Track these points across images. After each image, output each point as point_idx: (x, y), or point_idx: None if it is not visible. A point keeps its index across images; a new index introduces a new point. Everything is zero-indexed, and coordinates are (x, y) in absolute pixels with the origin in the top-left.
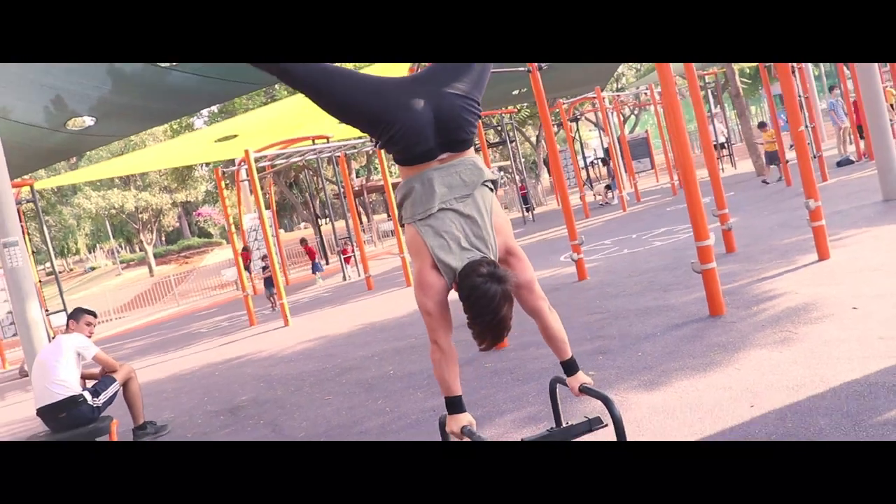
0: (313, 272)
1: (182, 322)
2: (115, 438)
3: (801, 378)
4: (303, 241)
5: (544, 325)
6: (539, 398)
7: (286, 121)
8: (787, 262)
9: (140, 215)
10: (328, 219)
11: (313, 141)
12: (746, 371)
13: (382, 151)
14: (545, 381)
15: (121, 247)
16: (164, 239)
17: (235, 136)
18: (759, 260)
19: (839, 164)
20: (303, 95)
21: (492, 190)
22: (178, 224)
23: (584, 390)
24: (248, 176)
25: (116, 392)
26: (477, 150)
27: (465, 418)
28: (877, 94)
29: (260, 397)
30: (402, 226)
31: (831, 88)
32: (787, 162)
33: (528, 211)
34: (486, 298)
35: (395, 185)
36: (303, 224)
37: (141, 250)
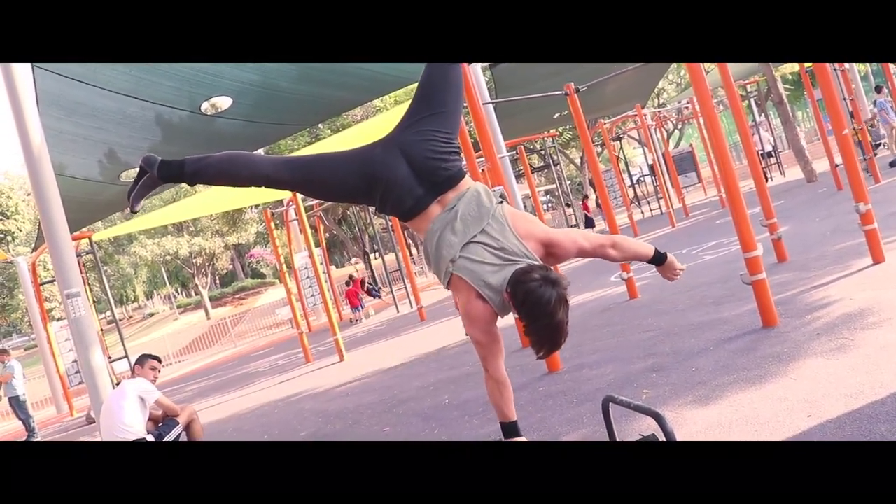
0: (360, 308)
1: (240, 363)
2: None
3: (859, 385)
4: (349, 281)
5: (618, 255)
6: (594, 419)
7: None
8: (841, 268)
9: (194, 260)
10: (377, 253)
11: None
12: (802, 381)
13: None
14: (599, 401)
15: (177, 292)
16: (218, 282)
17: None
18: (811, 267)
19: (892, 164)
20: (346, 133)
21: (501, 202)
22: (231, 266)
23: (637, 408)
24: (296, 215)
25: (179, 434)
26: (519, 177)
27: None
28: None
29: (318, 432)
30: (447, 287)
31: (878, 88)
32: (837, 166)
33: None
34: (541, 302)
35: None
36: (353, 259)
37: (196, 294)
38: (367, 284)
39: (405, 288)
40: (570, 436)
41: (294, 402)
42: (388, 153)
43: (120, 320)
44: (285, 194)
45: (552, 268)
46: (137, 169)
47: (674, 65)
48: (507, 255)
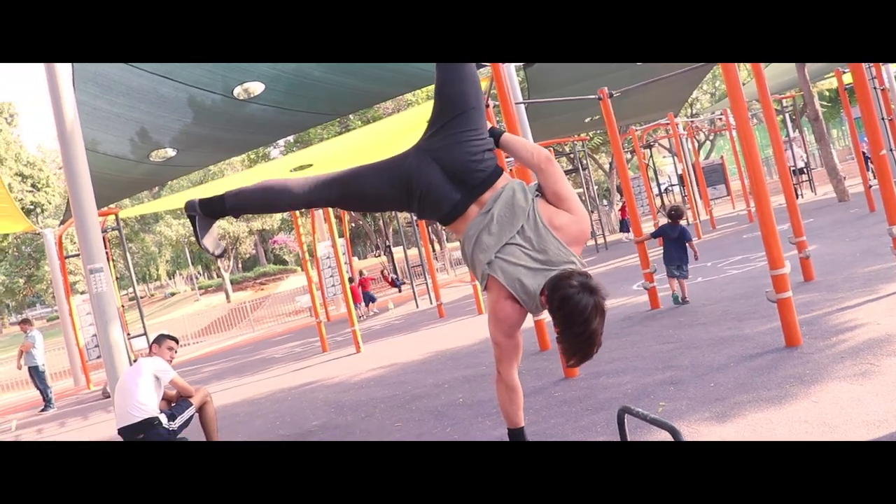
0: (367, 303)
1: (257, 347)
2: None
3: (882, 412)
4: (360, 274)
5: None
6: (608, 428)
7: (360, 150)
8: (870, 291)
9: None
10: (401, 246)
11: None
12: (824, 404)
13: None
14: (615, 410)
15: (199, 273)
16: (240, 266)
17: (311, 165)
18: (839, 289)
19: None
20: (376, 126)
21: (537, 196)
22: (254, 251)
23: (652, 421)
24: None
25: (192, 416)
26: None
27: None
28: None
29: (331, 423)
30: (484, 289)
31: None
32: (871, 186)
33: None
34: (578, 309)
35: None
36: (375, 251)
37: (218, 277)
38: (390, 275)
39: (426, 283)
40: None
41: (308, 390)
42: (421, 161)
43: (141, 298)
44: None
45: (590, 275)
46: (168, 149)
47: (709, 75)
48: (544, 258)
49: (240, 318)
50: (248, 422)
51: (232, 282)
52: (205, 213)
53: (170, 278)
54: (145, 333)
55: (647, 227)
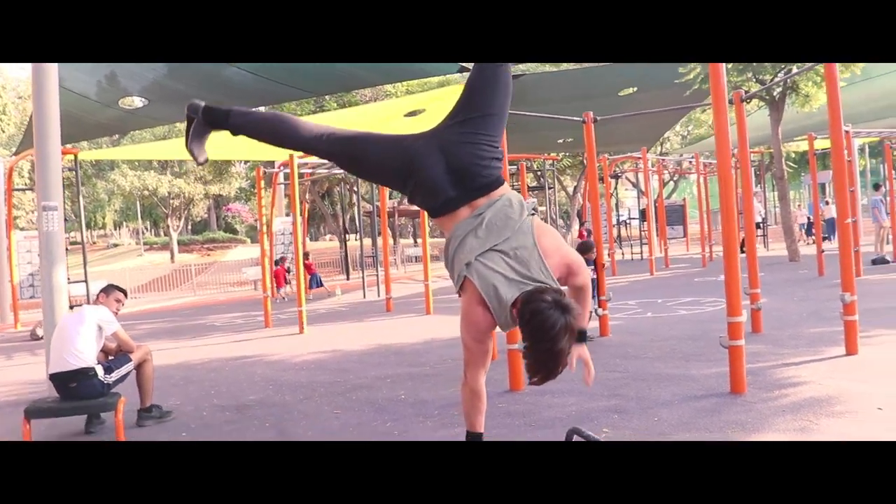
0: (312, 287)
1: (197, 312)
2: (120, 416)
3: None
4: (306, 255)
5: (579, 298)
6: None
7: None
8: (814, 352)
9: (171, 201)
10: (357, 235)
11: None
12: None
13: None
14: (558, 430)
15: (146, 229)
16: (190, 228)
17: None
18: (785, 344)
19: (874, 262)
20: (352, 111)
21: (533, 215)
22: (206, 215)
23: (578, 432)
24: (287, 179)
25: (129, 372)
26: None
27: None
28: None
29: (268, 400)
30: (458, 294)
31: (877, 186)
32: (823, 251)
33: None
34: (547, 325)
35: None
36: (328, 236)
37: (166, 235)
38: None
39: (376, 275)
40: None
41: (246, 364)
42: (428, 147)
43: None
44: (279, 154)
45: (565, 293)
46: (135, 98)
47: (685, 118)
48: (525, 272)
49: (182, 280)
50: (181, 386)
51: (179, 242)
52: (205, 119)
53: (115, 229)
54: (86, 280)
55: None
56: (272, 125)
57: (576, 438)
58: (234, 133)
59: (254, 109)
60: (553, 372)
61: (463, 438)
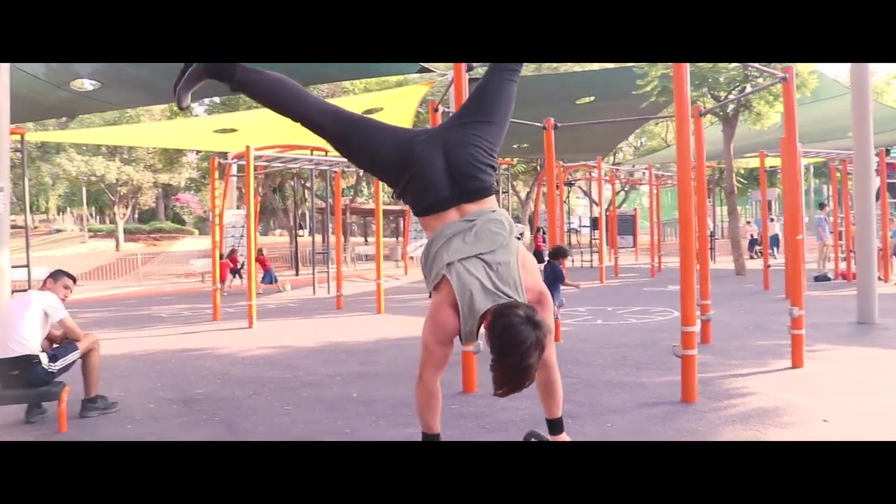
0: (265, 282)
1: (142, 302)
2: (63, 406)
3: None
4: (260, 251)
5: (548, 378)
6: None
7: (287, 126)
8: (760, 364)
9: (119, 188)
10: (309, 231)
11: (311, 151)
12: None
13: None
14: (511, 433)
15: (91, 215)
16: (136, 216)
17: (235, 130)
18: (732, 356)
19: (816, 278)
20: None
21: (519, 238)
22: (154, 205)
23: (538, 438)
24: (242, 172)
25: (75, 361)
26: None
27: None
28: (869, 219)
29: (216, 394)
30: (430, 294)
31: (821, 205)
32: (769, 266)
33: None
34: (518, 339)
35: (387, 213)
36: (278, 231)
37: (111, 223)
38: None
39: (327, 272)
40: None
41: (194, 357)
42: (429, 145)
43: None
44: (234, 145)
45: (536, 310)
46: (85, 81)
47: (638, 129)
48: (502, 286)
49: (127, 270)
50: (126, 377)
51: (125, 231)
52: (207, 69)
53: (58, 214)
54: (28, 266)
55: None
56: (279, 90)
57: (533, 441)
58: (235, 89)
59: (262, 70)
60: (520, 385)
61: (416, 439)
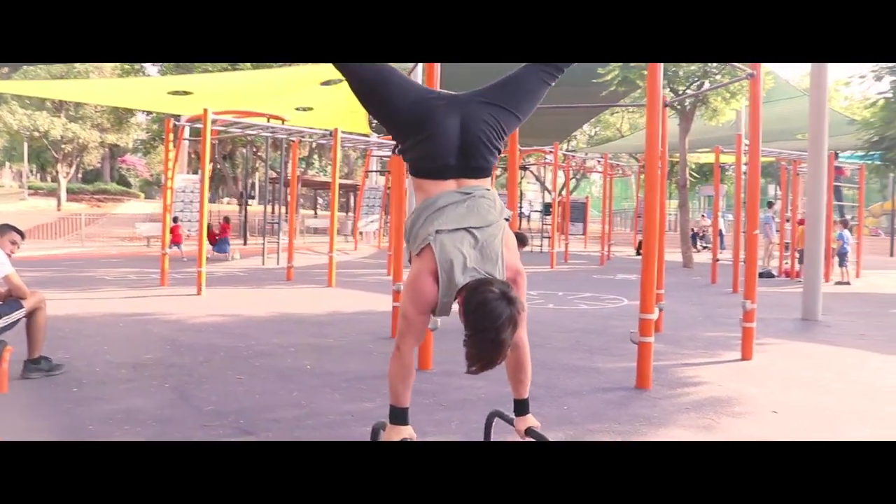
0: (217, 250)
1: (86, 264)
2: (5, 365)
3: None
4: (227, 219)
5: (518, 358)
6: (462, 427)
7: (244, 93)
8: (711, 354)
9: (63, 146)
10: (259, 201)
11: (268, 119)
12: None
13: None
14: (468, 412)
15: (31, 172)
16: (80, 176)
17: (190, 93)
18: (684, 345)
19: (760, 275)
20: (266, 72)
21: (507, 221)
22: (99, 165)
23: (531, 434)
24: (196, 135)
25: (19, 320)
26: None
27: (407, 431)
28: (820, 219)
29: (165, 359)
30: (410, 254)
31: (770, 204)
32: (718, 260)
33: None
34: (493, 315)
35: (343, 186)
36: (227, 199)
37: (53, 181)
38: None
39: (277, 242)
40: (438, 438)
41: (141, 321)
42: (449, 111)
43: None
44: (187, 109)
45: (511, 287)
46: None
47: (595, 118)
48: (484, 261)
49: (69, 230)
50: (72, 339)
51: (67, 190)
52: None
53: None
54: None
55: None
56: None
57: (497, 420)
58: None
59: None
60: (494, 362)
61: (373, 413)
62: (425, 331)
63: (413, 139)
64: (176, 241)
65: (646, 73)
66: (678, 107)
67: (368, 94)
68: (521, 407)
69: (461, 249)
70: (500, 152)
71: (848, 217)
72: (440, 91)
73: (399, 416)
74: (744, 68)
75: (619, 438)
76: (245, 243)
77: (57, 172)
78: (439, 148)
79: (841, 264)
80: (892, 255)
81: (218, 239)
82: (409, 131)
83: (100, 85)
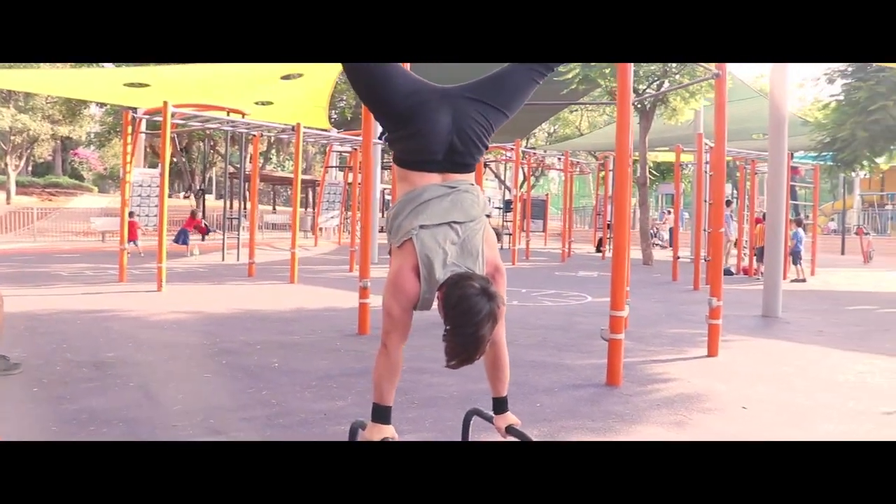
0: (180, 242)
1: (39, 259)
2: None
3: None
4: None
5: (497, 355)
6: (436, 426)
7: (203, 86)
8: (678, 351)
9: (12, 137)
10: (217, 196)
11: (227, 113)
12: None
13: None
14: (441, 410)
15: None
16: (30, 169)
17: (147, 85)
18: (650, 342)
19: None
20: (225, 65)
21: (488, 216)
22: (51, 158)
23: (512, 431)
24: (154, 128)
25: None
26: (385, 169)
27: (389, 431)
28: (780, 218)
29: (129, 358)
30: (390, 246)
31: (728, 203)
32: (678, 258)
33: None
34: (473, 311)
35: (306, 182)
36: (182, 193)
37: (2, 174)
38: (203, 221)
39: (237, 238)
40: (412, 436)
41: (101, 318)
42: (441, 106)
43: None
44: (144, 102)
45: (491, 282)
46: None
47: (554, 116)
48: (465, 257)
49: (20, 224)
50: (28, 337)
51: (17, 183)
52: None
53: None
54: None
55: None
56: None
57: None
58: None
59: None
60: (472, 357)
61: (344, 412)
62: (410, 326)
63: (402, 131)
64: (132, 238)
65: (607, 71)
66: (638, 106)
67: (363, 78)
68: (500, 405)
69: (442, 246)
70: (486, 149)
71: (801, 216)
72: (431, 83)
73: (382, 414)
74: (710, 68)
75: (593, 435)
76: (203, 239)
77: (6, 165)
78: (429, 143)
79: (795, 262)
80: (843, 253)
81: (181, 229)
82: (398, 123)
83: (51, 75)
